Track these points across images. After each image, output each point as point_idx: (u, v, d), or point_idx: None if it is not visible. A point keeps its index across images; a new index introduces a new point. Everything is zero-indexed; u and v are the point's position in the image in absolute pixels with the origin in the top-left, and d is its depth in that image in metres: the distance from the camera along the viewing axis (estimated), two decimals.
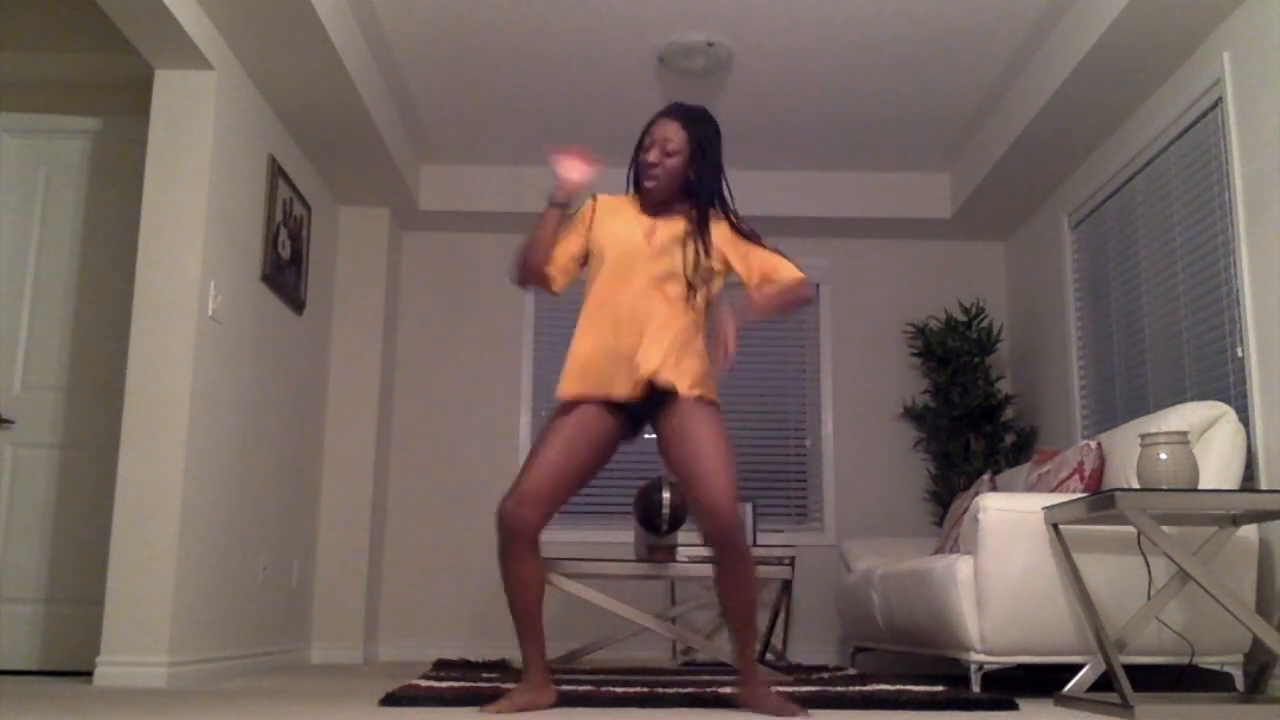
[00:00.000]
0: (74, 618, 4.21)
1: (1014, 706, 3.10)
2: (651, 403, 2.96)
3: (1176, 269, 4.35)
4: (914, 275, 6.31)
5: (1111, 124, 4.80)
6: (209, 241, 4.02)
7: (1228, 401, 3.92)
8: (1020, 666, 4.82)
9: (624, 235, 2.99)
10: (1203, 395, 4.12)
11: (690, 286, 2.98)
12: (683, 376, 2.91)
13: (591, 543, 5.98)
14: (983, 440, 5.76)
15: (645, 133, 3.03)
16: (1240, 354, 3.86)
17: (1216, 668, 3.54)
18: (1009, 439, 5.85)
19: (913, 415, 6.01)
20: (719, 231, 3.05)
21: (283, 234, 4.82)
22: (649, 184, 3.00)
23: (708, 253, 3.00)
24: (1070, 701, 3.27)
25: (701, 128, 3.01)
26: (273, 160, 4.68)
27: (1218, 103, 4.05)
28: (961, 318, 6.18)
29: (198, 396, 3.94)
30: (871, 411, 6.16)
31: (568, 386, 2.95)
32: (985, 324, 6.13)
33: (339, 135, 4.99)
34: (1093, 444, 3.96)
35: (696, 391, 2.91)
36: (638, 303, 2.94)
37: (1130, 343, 4.74)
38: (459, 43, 4.79)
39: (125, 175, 4.54)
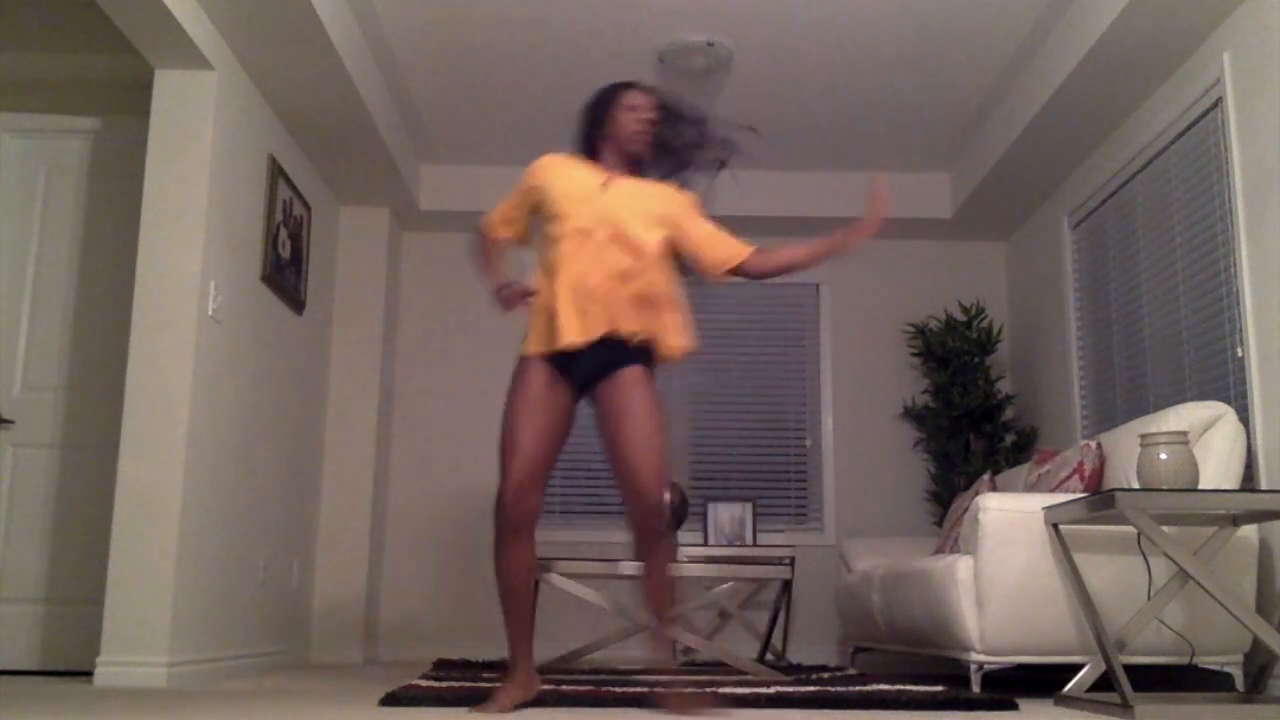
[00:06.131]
0: (74, 618, 4.21)
1: (1014, 706, 3.10)
2: (595, 364, 2.94)
3: (1176, 269, 4.35)
4: (914, 275, 6.31)
5: (1111, 124, 4.80)
6: (209, 241, 4.02)
7: (1228, 401, 3.92)
8: (1020, 666, 4.81)
9: (584, 187, 3.00)
10: (1203, 395, 4.12)
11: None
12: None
13: (591, 543, 5.98)
14: (983, 440, 5.76)
15: (612, 101, 3.07)
16: (1240, 354, 3.86)
17: (1216, 668, 3.54)
18: (1009, 439, 5.85)
19: (913, 415, 6.01)
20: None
21: (283, 234, 4.82)
22: (639, 147, 3.04)
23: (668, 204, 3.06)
24: (1070, 701, 3.27)
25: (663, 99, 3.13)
26: (273, 160, 4.68)
27: (1218, 103, 4.05)
28: (961, 318, 6.18)
29: (198, 396, 3.94)
30: (871, 411, 6.16)
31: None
32: (985, 324, 6.13)
33: (339, 135, 4.99)
34: (1093, 444, 3.96)
35: (645, 358, 2.95)
36: (605, 259, 2.94)
37: (1130, 343, 4.74)
38: (459, 43, 4.79)
39: (125, 175, 4.54)
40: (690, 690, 2.88)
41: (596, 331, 2.88)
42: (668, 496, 2.87)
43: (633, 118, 3.04)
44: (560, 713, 2.86)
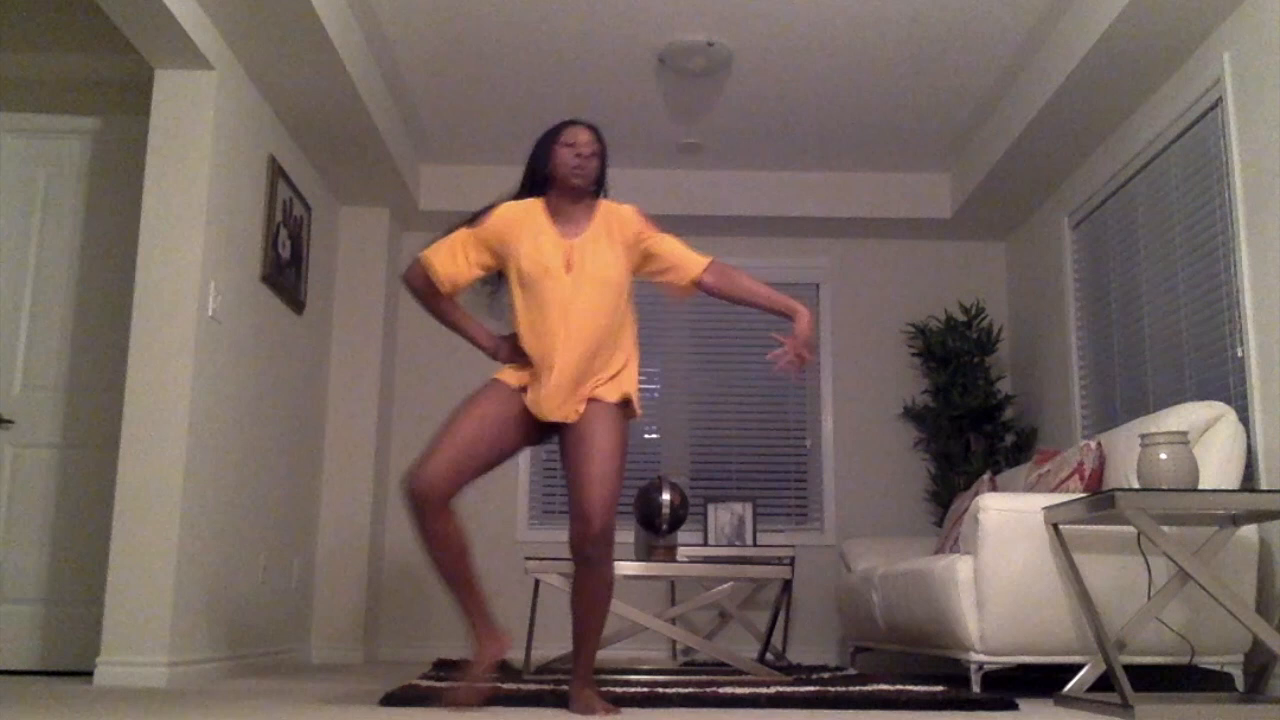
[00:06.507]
0: (74, 618, 4.21)
1: (1014, 706, 3.10)
2: None
3: (1176, 269, 4.35)
4: (914, 275, 6.31)
5: (1111, 124, 4.80)
6: (209, 241, 4.03)
7: (1228, 401, 3.92)
8: (1020, 666, 4.82)
9: (548, 262, 2.97)
10: (1203, 395, 4.12)
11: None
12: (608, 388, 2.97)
13: None
14: (983, 440, 5.76)
15: (553, 139, 3.06)
16: (1240, 354, 3.86)
17: (1216, 668, 3.54)
18: (1009, 439, 5.85)
19: (913, 415, 6.01)
20: (621, 221, 3.06)
21: (283, 234, 4.82)
22: (579, 181, 3.01)
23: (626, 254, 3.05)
24: (1070, 701, 3.27)
25: (602, 138, 3.12)
26: (273, 160, 4.68)
27: (1218, 103, 4.05)
28: (961, 318, 6.18)
29: (198, 396, 3.94)
30: (871, 411, 6.16)
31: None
32: (985, 324, 6.13)
33: (339, 135, 4.99)
34: (1093, 444, 3.96)
35: (613, 397, 2.95)
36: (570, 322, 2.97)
37: (1130, 343, 4.74)
38: (459, 43, 4.79)
39: (125, 175, 4.54)
40: (594, 692, 2.91)
41: (546, 404, 2.92)
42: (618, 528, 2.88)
43: (570, 153, 3.03)
44: (560, 713, 2.87)
